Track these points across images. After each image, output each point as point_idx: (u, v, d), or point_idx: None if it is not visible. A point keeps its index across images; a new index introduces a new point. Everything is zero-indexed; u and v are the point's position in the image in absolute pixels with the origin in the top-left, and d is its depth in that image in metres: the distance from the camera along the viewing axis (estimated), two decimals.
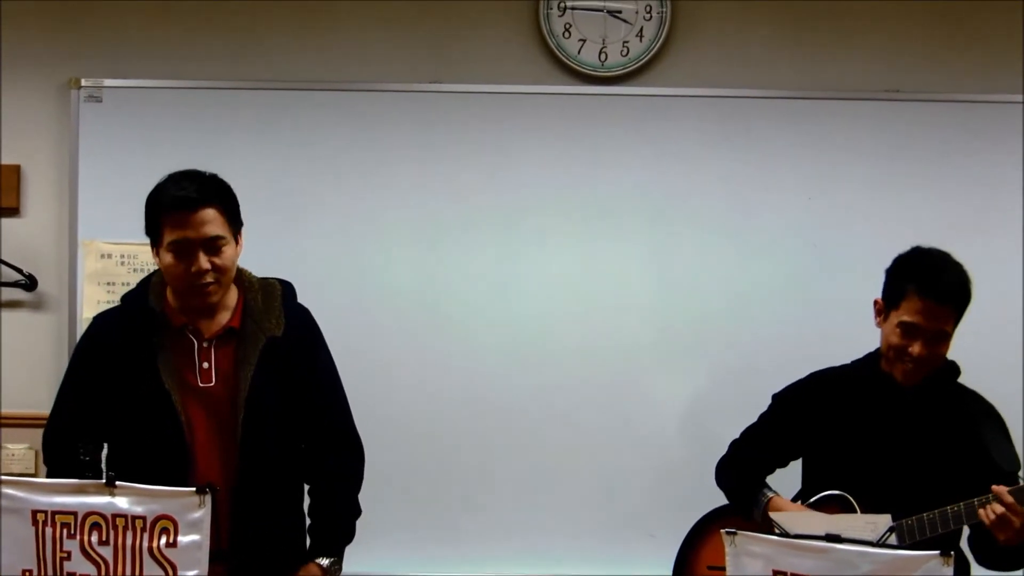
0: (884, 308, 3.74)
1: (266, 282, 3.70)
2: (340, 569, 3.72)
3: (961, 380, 3.84)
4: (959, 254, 4.76)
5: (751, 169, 5.06)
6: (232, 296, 3.62)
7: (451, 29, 5.13)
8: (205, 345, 3.55)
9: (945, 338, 3.65)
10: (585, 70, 5.12)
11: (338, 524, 3.75)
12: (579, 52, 5.11)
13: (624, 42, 5.10)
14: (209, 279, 3.46)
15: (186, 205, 3.43)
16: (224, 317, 3.58)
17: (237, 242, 3.57)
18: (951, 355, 3.75)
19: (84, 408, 3.56)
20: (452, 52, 5.13)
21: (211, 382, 3.53)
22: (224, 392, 3.54)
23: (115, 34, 5.11)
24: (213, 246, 3.46)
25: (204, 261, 3.44)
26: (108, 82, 5.02)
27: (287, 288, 3.73)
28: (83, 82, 5.01)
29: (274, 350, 3.58)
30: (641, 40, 5.10)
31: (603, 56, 5.11)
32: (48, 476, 3.53)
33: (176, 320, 3.54)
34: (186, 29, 5.12)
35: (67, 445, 3.56)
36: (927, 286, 3.61)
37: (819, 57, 5.15)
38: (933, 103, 5.07)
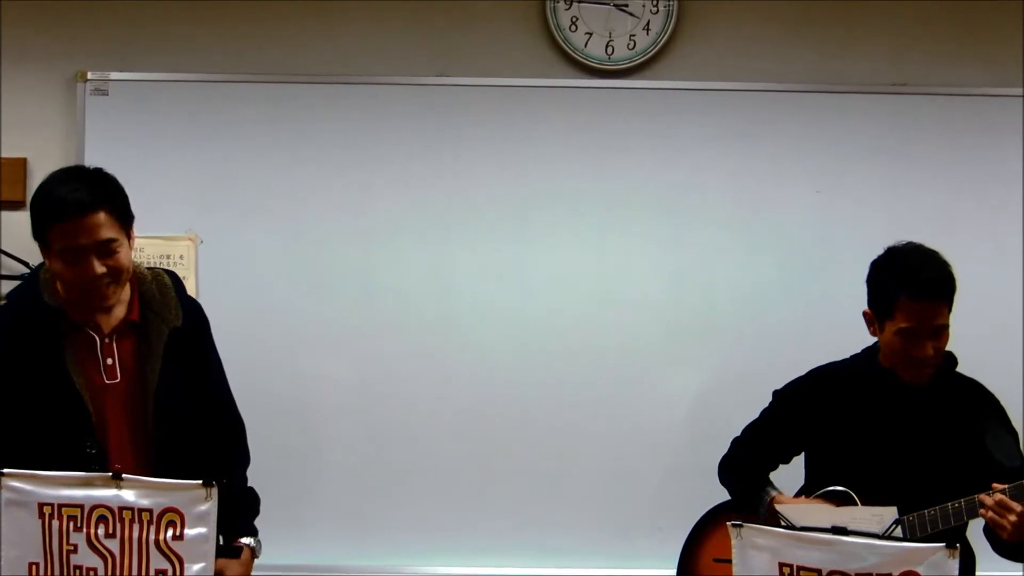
0: (876, 318, 3.74)
1: (155, 272, 3.58)
2: (261, 545, 3.65)
3: (992, 385, 3.84)
4: (968, 248, 4.82)
5: (758, 163, 5.06)
6: (126, 289, 3.48)
7: (458, 22, 5.14)
8: (107, 341, 3.43)
9: (944, 331, 3.64)
10: (592, 63, 5.12)
11: (249, 504, 3.71)
12: (586, 45, 5.11)
13: (631, 35, 5.10)
14: (106, 281, 3.34)
15: (76, 211, 3.28)
16: (121, 311, 3.46)
17: (131, 237, 3.44)
18: (952, 346, 3.77)
19: None
20: (459, 45, 5.13)
21: (116, 378, 3.43)
22: (130, 388, 3.44)
23: (121, 27, 5.12)
24: (106, 249, 3.32)
25: (98, 266, 3.31)
26: (114, 75, 5.03)
27: (175, 278, 3.61)
28: (89, 75, 5.02)
29: (176, 342, 3.50)
30: (648, 33, 5.10)
31: (610, 49, 5.11)
32: None
33: (76, 316, 3.41)
34: (193, 22, 5.13)
35: None
36: (916, 289, 3.59)
37: (826, 51, 5.15)
38: (940, 97, 5.07)
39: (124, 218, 3.39)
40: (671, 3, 5.10)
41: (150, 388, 3.43)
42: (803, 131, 5.07)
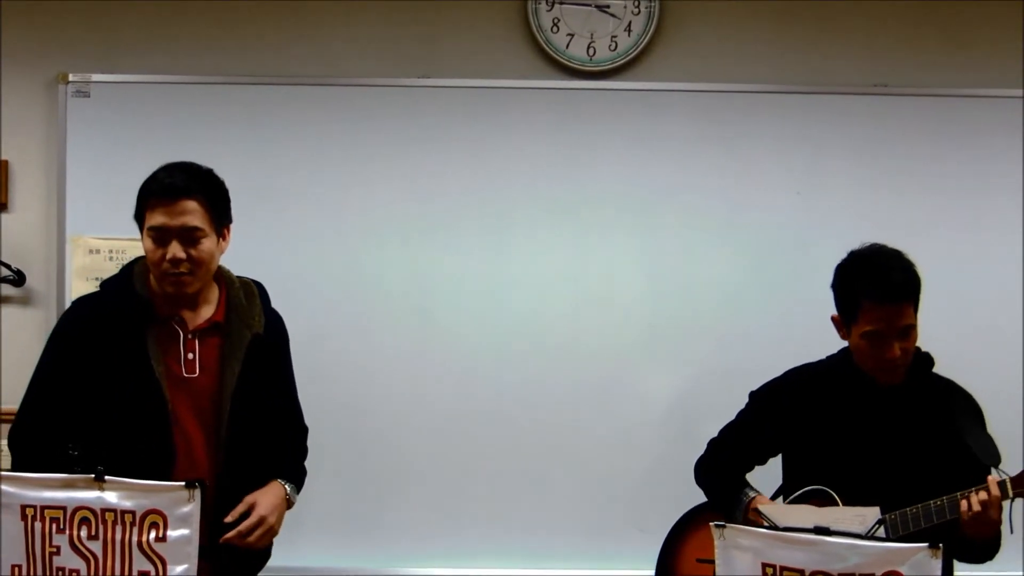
0: (843, 323, 3.75)
1: (245, 281, 3.75)
2: (293, 504, 3.73)
3: (960, 380, 3.84)
4: (949, 248, 4.81)
5: (739, 164, 5.06)
6: (213, 291, 3.66)
7: (440, 23, 5.13)
8: (190, 337, 3.57)
9: (912, 331, 3.65)
10: (573, 64, 5.12)
11: (300, 467, 3.84)
12: (567, 47, 5.11)
13: (612, 36, 5.10)
14: (182, 269, 3.49)
15: (168, 193, 3.48)
16: (207, 311, 3.62)
17: (223, 237, 3.62)
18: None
19: (63, 394, 3.53)
20: (441, 46, 5.13)
21: (195, 373, 3.56)
22: (207, 384, 3.57)
23: (103, 29, 5.11)
24: (190, 237, 3.49)
25: (178, 250, 3.47)
26: (96, 77, 5.02)
27: (262, 289, 3.78)
28: (71, 77, 5.01)
29: (257, 348, 3.64)
30: (629, 35, 5.10)
31: (591, 51, 5.11)
32: (15, 467, 3.48)
33: (162, 309, 3.56)
34: (175, 24, 5.11)
35: (42, 433, 3.53)
36: (879, 292, 3.60)
37: (807, 52, 5.16)
38: (920, 97, 5.08)
39: (218, 215, 3.59)
40: (652, 4, 5.10)
41: (227, 388, 3.57)
42: (784, 132, 5.07)
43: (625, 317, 5.06)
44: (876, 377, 3.71)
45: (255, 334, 3.63)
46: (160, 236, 3.49)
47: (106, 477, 3.23)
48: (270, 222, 5.00)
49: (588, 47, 5.11)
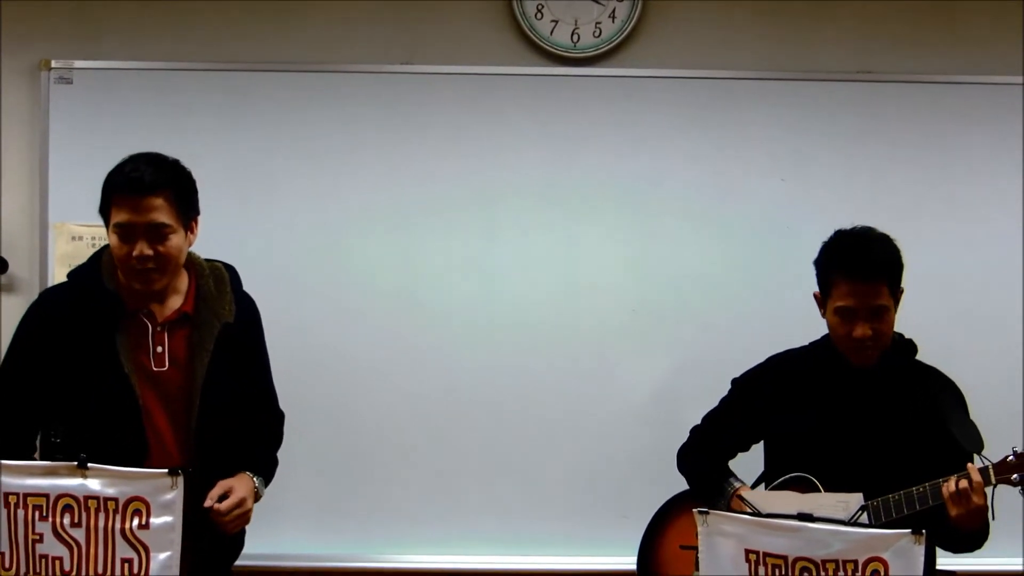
0: (822, 299, 3.77)
1: (214, 266, 3.70)
2: (260, 497, 3.69)
3: (952, 367, 3.86)
4: (932, 236, 4.81)
5: (724, 150, 5.05)
6: (183, 280, 3.61)
7: (423, 9, 5.12)
8: (159, 329, 3.54)
9: (885, 312, 3.65)
10: (558, 51, 5.11)
11: (271, 458, 3.81)
12: (551, 33, 5.10)
13: (597, 23, 5.10)
14: (150, 265, 3.45)
15: (133, 189, 3.42)
16: (176, 301, 3.58)
17: (191, 231, 3.57)
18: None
19: (31, 387, 3.49)
20: (424, 33, 5.11)
21: (164, 366, 3.53)
22: (177, 377, 3.54)
23: (85, 15, 5.09)
24: (157, 233, 3.44)
25: (145, 247, 3.43)
26: (78, 64, 5.00)
27: (233, 273, 3.74)
28: (53, 64, 4.99)
29: (227, 336, 3.60)
30: (614, 21, 5.10)
31: (575, 37, 5.10)
32: None
33: (131, 303, 3.52)
34: (157, 10, 5.09)
35: (9, 423, 3.51)
36: (850, 267, 3.63)
37: (793, 38, 5.15)
38: (904, 84, 5.07)
39: (185, 209, 3.53)
40: None
41: (198, 381, 3.53)
42: (769, 118, 5.06)
43: (610, 304, 5.05)
44: (849, 357, 3.73)
45: (225, 323, 3.60)
46: (126, 233, 3.44)
47: (89, 464, 3.22)
48: (254, 210, 4.99)
49: (572, 33, 5.11)
